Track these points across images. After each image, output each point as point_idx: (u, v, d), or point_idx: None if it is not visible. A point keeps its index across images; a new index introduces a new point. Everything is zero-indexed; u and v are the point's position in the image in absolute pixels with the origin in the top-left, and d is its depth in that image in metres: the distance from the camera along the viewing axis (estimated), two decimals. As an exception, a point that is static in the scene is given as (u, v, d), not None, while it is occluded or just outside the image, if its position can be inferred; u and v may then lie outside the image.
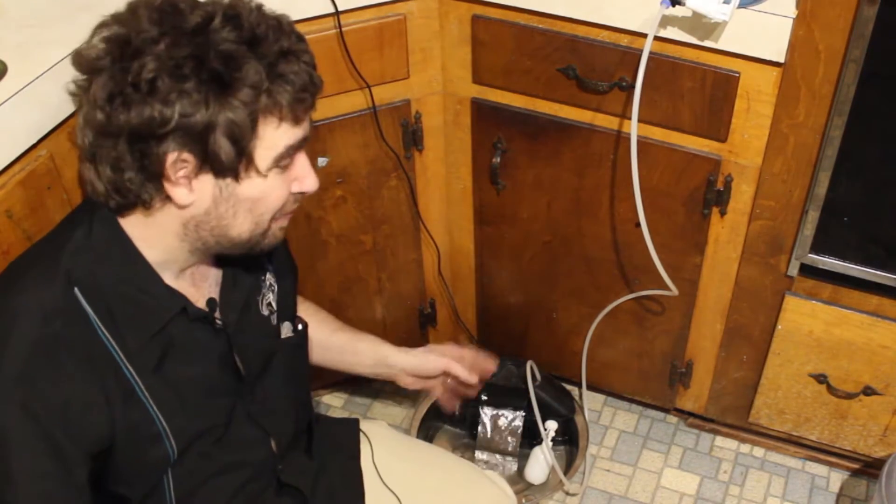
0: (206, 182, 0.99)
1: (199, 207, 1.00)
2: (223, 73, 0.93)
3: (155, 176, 0.97)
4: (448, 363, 1.44)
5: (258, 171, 0.99)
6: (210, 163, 0.97)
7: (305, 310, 1.41)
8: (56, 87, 1.20)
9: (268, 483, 1.24)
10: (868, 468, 1.90)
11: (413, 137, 1.70)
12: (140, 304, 1.04)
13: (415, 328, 2.01)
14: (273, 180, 1.02)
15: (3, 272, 1.06)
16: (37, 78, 1.18)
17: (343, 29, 1.50)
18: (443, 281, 1.96)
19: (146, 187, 0.98)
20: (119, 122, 0.94)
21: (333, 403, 2.08)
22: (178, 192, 0.98)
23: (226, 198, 1.00)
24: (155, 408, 1.05)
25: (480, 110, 1.66)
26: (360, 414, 2.06)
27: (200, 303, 1.11)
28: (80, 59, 0.98)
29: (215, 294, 1.13)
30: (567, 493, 1.90)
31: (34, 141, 1.18)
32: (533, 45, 1.53)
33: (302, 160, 1.05)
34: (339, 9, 1.48)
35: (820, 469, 1.94)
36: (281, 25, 0.99)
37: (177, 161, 0.96)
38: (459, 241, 1.90)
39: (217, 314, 1.12)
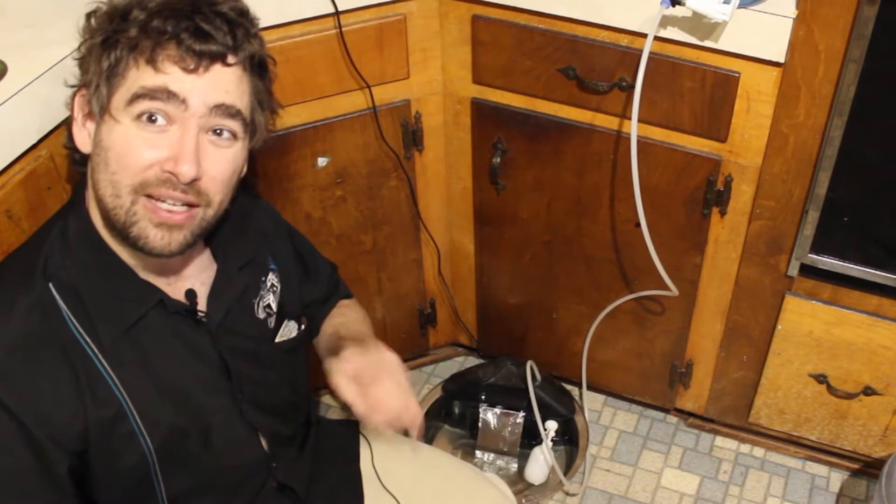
0: (92, 129, 1.04)
1: (89, 152, 1.04)
2: (113, 23, 1.01)
3: (71, 117, 1.06)
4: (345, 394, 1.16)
5: (112, 113, 0.99)
6: (91, 101, 1.02)
7: (345, 312, 1.40)
8: (56, 87, 1.20)
9: (263, 483, 1.24)
10: (868, 468, 1.90)
11: (413, 137, 1.70)
12: (113, 297, 1.04)
13: (415, 328, 2.01)
14: (128, 130, 0.99)
15: None
16: (37, 78, 1.18)
17: (343, 29, 1.50)
18: (443, 281, 1.96)
19: (70, 126, 1.07)
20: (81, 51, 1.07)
21: (333, 403, 2.08)
22: (79, 136, 1.05)
23: (97, 143, 1.02)
24: (129, 403, 1.04)
25: (480, 110, 1.66)
26: (360, 414, 2.06)
27: (179, 295, 1.10)
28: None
29: (197, 287, 1.12)
30: (567, 494, 1.90)
31: (34, 141, 1.19)
32: (533, 45, 1.53)
33: (185, 135, 0.99)
34: (339, 9, 1.48)
35: (820, 469, 1.94)
36: None
37: (78, 95, 1.05)
38: (459, 241, 1.90)
39: (202, 308, 1.12)
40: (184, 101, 0.99)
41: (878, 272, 1.54)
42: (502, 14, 1.53)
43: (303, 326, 1.27)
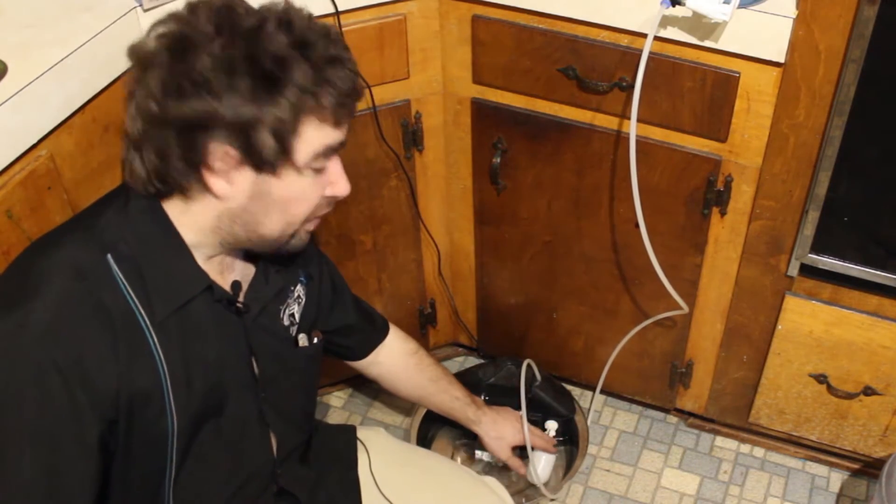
0: (246, 176, 1.02)
1: (235, 202, 1.03)
2: (273, 73, 0.97)
3: (198, 165, 1.01)
4: (509, 460, 1.75)
5: (296, 168, 1.02)
6: (252, 156, 1.00)
7: (412, 355, 1.56)
8: (56, 87, 1.20)
9: (266, 486, 1.24)
10: (868, 468, 1.90)
11: (413, 137, 1.70)
12: (169, 276, 1.05)
13: (415, 328, 2.01)
14: (308, 181, 1.05)
15: (38, 239, 1.07)
16: (37, 78, 1.18)
17: (343, 29, 1.50)
18: (443, 281, 1.96)
19: (188, 176, 1.02)
20: (171, 112, 0.98)
21: (333, 403, 2.08)
22: (217, 184, 1.02)
23: (261, 195, 1.03)
24: (168, 380, 1.05)
25: (480, 110, 1.66)
26: (361, 414, 2.06)
27: (225, 286, 1.12)
28: (136, 51, 1.01)
29: (239, 279, 1.15)
30: (566, 494, 1.89)
31: (34, 141, 1.19)
32: (533, 45, 1.53)
33: (336, 165, 1.08)
34: (339, 9, 1.48)
35: (820, 469, 1.94)
36: (329, 34, 1.02)
37: (221, 153, 0.99)
38: (459, 241, 1.90)
39: (241, 298, 1.14)
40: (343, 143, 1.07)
41: (878, 272, 1.54)
42: (502, 14, 1.53)
43: (315, 340, 1.28)
